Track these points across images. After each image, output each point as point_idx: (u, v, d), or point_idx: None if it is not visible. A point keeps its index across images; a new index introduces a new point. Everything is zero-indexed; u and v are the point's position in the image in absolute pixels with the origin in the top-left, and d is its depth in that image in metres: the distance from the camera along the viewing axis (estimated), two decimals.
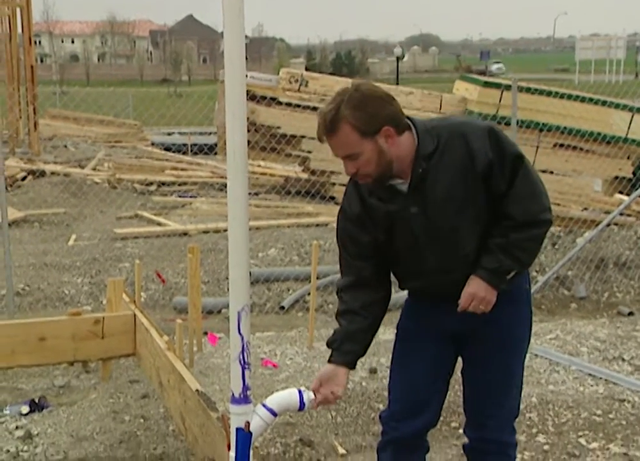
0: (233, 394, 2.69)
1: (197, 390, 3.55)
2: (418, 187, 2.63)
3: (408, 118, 2.65)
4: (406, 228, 2.67)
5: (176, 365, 3.89)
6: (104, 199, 11.19)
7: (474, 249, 2.66)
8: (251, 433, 2.67)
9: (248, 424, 2.67)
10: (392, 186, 2.67)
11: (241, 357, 2.66)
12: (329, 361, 2.77)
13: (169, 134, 23.05)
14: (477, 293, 2.64)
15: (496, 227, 2.64)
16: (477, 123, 2.67)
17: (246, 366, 2.67)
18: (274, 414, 2.72)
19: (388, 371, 4.78)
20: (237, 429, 2.67)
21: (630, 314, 6.95)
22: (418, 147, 2.61)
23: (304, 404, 2.74)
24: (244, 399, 2.68)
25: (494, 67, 71.40)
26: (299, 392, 2.74)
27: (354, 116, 2.52)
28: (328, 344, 2.81)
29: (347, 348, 2.75)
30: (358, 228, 2.74)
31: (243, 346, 2.66)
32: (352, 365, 2.78)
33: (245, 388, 2.67)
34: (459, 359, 2.90)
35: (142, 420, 4.21)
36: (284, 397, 2.75)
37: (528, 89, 11.21)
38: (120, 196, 11.41)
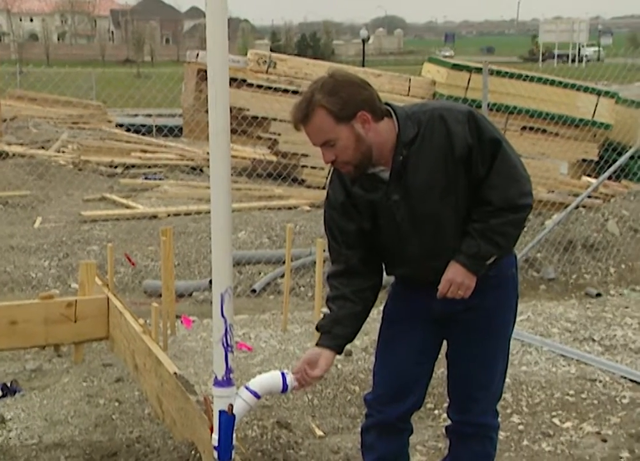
0: (216, 377, 2.70)
1: (175, 373, 3.55)
2: (399, 175, 2.63)
3: (388, 104, 2.66)
4: (389, 216, 2.68)
5: (152, 348, 3.88)
6: (70, 181, 11.06)
7: (457, 235, 2.67)
8: (234, 416, 2.68)
9: (231, 406, 2.68)
10: (374, 174, 2.67)
11: (224, 340, 2.68)
12: (317, 344, 2.77)
13: (133, 115, 22.81)
14: (454, 279, 2.65)
15: (476, 212, 2.65)
16: (457, 108, 2.66)
17: (229, 349, 2.68)
18: (257, 396, 2.73)
19: (363, 354, 4.85)
20: (220, 412, 2.68)
21: (598, 295, 7.06)
22: (399, 134, 2.61)
23: (287, 386, 2.75)
24: (227, 381, 2.70)
25: None
26: (282, 374, 2.75)
27: (328, 101, 2.52)
28: (318, 328, 2.81)
29: (337, 332, 2.76)
30: (343, 217, 2.74)
31: (226, 328, 2.67)
32: (340, 350, 2.78)
33: (228, 370, 2.69)
34: (444, 343, 2.92)
35: (117, 404, 4.19)
36: (267, 379, 2.76)
37: (498, 73, 11.27)
38: (87, 179, 11.28)
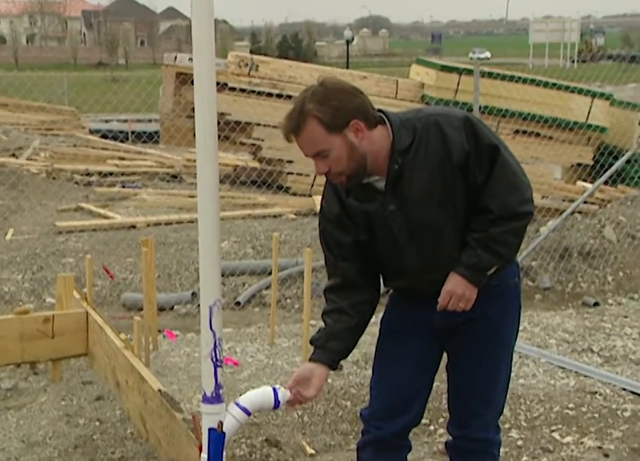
0: (204, 393, 2.69)
1: (160, 390, 3.55)
2: (395, 184, 2.64)
3: (381, 111, 2.67)
4: (385, 226, 2.69)
5: (135, 364, 3.87)
6: (44, 191, 11.03)
7: (456, 245, 2.68)
8: (224, 433, 2.68)
9: (220, 423, 2.68)
10: (369, 184, 2.68)
11: (213, 354, 2.67)
12: (310, 359, 2.77)
13: (107, 121, 22.77)
14: (455, 290, 2.66)
15: (475, 221, 2.66)
16: (453, 114, 2.67)
17: (219, 364, 2.68)
18: (248, 413, 2.73)
19: (355, 368, 4.86)
20: (210, 430, 2.68)
21: (596, 304, 7.11)
22: (393, 142, 2.62)
23: (279, 402, 2.74)
24: (216, 398, 2.69)
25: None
26: (274, 389, 2.75)
27: (319, 110, 2.52)
28: (312, 342, 2.81)
29: (331, 347, 2.76)
30: (338, 229, 2.75)
31: (215, 342, 2.66)
32: (334, 365, 2.78)
33: (217, 386, 2.68)
34: (444, 355, 2.93)
35: (97, 424, 4.17)
36: (258, 395, 2.75)
37: (489, 74, 11.33)
38: (61, 188, 11.26)
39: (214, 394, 2.68)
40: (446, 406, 3.04)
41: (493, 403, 2.88)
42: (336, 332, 2.77)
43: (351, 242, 2.75)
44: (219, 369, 2.67)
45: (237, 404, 2.73)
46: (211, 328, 2.65)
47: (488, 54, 72.92)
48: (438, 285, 2.69)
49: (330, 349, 2.76)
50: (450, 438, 2.99)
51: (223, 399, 2.70)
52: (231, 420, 2.70)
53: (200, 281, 2.68)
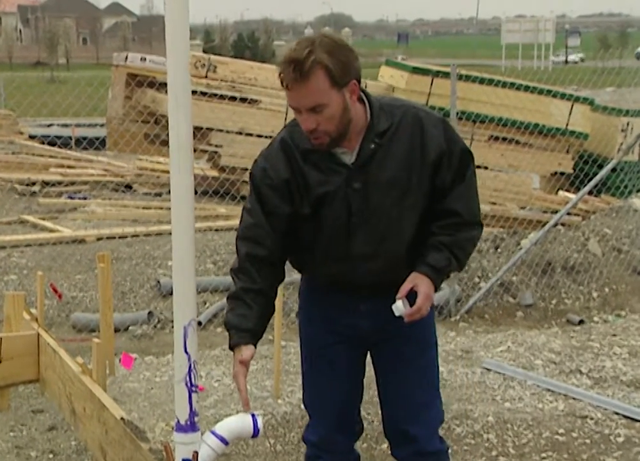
0: (178, 421, 2.69)
1: (122, 419, 3.51)
2: (364, 163, 2.72)
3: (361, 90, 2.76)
4: (341, 203, 2.74)
5: (94, 391, 3.83)
6: None
7: (407, 240, 2.77)
8: None
9: (196, 454, 2.67)
10: (333, 154, 2.73)
11: (188, 379, 2.67)
12: (244, 343, 2.76)
13: (47, 125, 22.54)
14: (430, 294, 2.73)
15: (440, 224, 2.77)
16: (431, 112, 2.83)
17: (193, 389, 2.67)
18: (226, 442, 2.72)
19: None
20: None
21: (581, 321, 7.20)
22: (371, 121, 2.71)
23: (258, 430, 2.75)
24: (191, 426, 2.68)
25: None
26: (253, 416, 2.76)
27: (330, 61, 2.56)
28: (236, 326, 2.78)
29: (259, 329, 2.80)
30: (278, 196, 2.75)
31: (190, 365, 2.66)
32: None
33: (192, 414, 2.68)
34: (372, 370, 3.03)
35: (51, 456, 4.15)
36: (235, 422, 2.76)
37: (467, 77, 11.41)
38: (1, 199, 11.13)
39: (188, 422, 2.68)
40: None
41: (432, 407, 2.97)
42: (261, 315, 2.79)
43: (288, 215, 2.77)
44: (194, 395, 2.67)
45: (214, 433, 2.72)
46: (186, 350, 2.65)
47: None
48: (373, 277, 2.77)
49: (258, 331, 2.79)
50: None
51: (198, 427, 2.70)
52: (207, 450, 2.69)
53: (173, 299, 2.68)
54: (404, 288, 2.71)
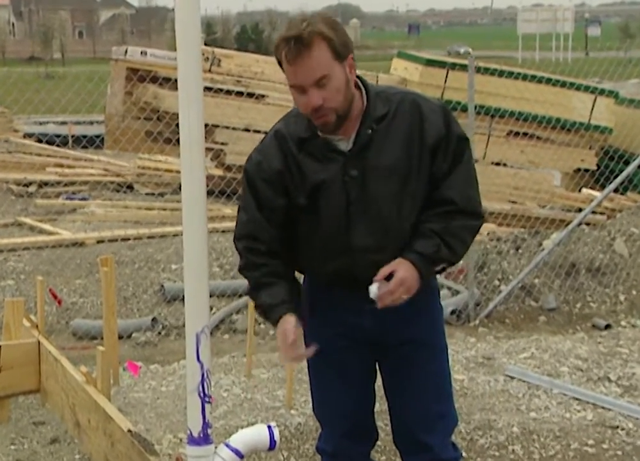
0: (190, 433, 2.68)
1: (129, 431, 3.51)
2: (362, 150, 2.76)
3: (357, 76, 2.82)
4: (338, 192, 2.77)
5: (99, 401, 3.83)
6: None
7: (407, 229, 2.80)
8: None
9: None
10: (329, 142, 2.77)
11: (201, 389, 2.66)
12: (283, 314, 2.80)
13: (44, 123, 22.58)
14: (407, 279, 2.72)
15: (433, 213, 2.80)
16: (430, 98, 2.92)
17: (207, 399, 2.66)
18: (240, 455, 2.72)
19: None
20: None
21: (607, 326, 7.16)
22: (368, 107, 2.77)
23: (275, 442, 2.75)
24: (204, 438, 2.68)
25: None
26: (269, 427, 2.75)
27: (329, 32, 2.64)
28: (269, 307, 2.84)
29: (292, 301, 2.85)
30: (272, 188, 2.80)
31: (203, 375, 2.65)
32: None
33: (206, 425, 2.67)
34: (381, 377, 3.06)
35: None
36: (251, 435, 2.76)
37: (486, 70, 11.36)
38: None
39: (201, 434, 2.67)
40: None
41: (446, 415, 2.99)
42: (289, 289, 2.85)
43: (283, 207, 2.81)
44: (207, 406, 2.66)
45: (228, 446, 2.73)
46: (199, 359, 2.65)
47: (469, 49, 73.44)
48: (376, 271, 2.75)
49: (293, 302, 2.84)
50: None
51: (211, 440, 2.69)
52: None
53: (185, 304, 2.67)
54: (383, 271, 2.73)
